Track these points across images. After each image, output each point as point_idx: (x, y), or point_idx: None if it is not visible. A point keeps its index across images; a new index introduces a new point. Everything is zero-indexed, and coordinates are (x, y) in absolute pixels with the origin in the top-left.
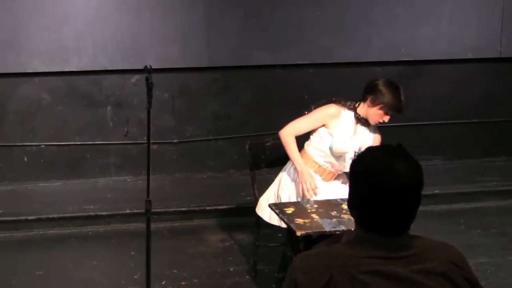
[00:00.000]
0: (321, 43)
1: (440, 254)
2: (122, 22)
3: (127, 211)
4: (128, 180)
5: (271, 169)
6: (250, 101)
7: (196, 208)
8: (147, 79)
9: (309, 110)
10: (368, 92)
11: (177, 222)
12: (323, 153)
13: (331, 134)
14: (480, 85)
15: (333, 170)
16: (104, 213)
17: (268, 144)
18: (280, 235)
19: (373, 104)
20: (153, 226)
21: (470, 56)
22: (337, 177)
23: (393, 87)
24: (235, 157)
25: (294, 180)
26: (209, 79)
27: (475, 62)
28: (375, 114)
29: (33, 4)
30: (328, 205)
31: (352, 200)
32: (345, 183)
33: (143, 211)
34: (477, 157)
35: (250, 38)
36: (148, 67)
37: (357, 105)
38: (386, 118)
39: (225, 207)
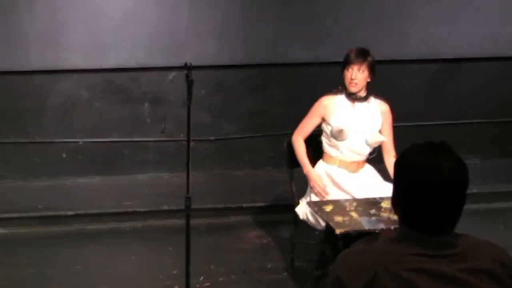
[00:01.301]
0: (358, 40)
1: (485, 253)
2: (160, 18)
3: (165, 208)
4: (166, 176)
5: None
6: (286, 98)
7: (233, 205)
8: (187, 76)
9: None
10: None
11: (214, 218)
12: (334, 144)
13: (330, 124)
14: None
15: (355, 159)
16: (141, 209)
17: (305, 141)
18: (317, 232)
19: (342, 74)
20: (190, 222)
21: (509, 53)
22: (362, 165)
23: (354, 49)
24: (271, 154)
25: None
26: (245, 76)
27: None
28: (345, 80)
29: None
30: (367, 203)
31: (396, 196)
32: (374, 176)
33: (180, 207)
34: None
35: (286, 35)
36: (188, 64)
37: (341, 87)
38: (348, 74)
39: (261, 204)
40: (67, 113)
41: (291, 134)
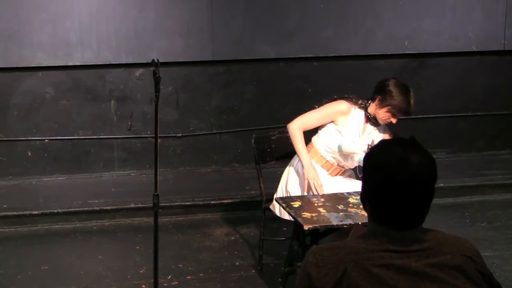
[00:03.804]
0: (325, 36)
1: (454, 248)
2: (126, 16)
3: (132, 205)
4: (132, 174)
5: (277, 163)
6: (254, 94)
7: (201, 202)
8: (154, 73)
9: (320, 104)
10: (377, 92)
11: (181, 216)
12: (331, 149)
13: (340, 132)
14: (484, 78)
15: (340, 166)
16: (108, 208)
17: (273, 137)
18: (285, 229)
19: (382, 104)
20: (158, 220)
21: (474, 49)
22: (343, 172)
23: (403, 89)
24: (239, 151)
25: (301, 175)
26: (213, 72)
27: (479, 55)
28: (383, 115)
29: None
30: (335, 199)
31: (365, 193)
32: (351, 178)
33: (147, 205)
34: (482, 150)
35: (253, 32)
36: (155, 61)
37: (368, 104)
38: (394, 120)
39: (229, 201)
40: (33, 111)
41: (259, 130)
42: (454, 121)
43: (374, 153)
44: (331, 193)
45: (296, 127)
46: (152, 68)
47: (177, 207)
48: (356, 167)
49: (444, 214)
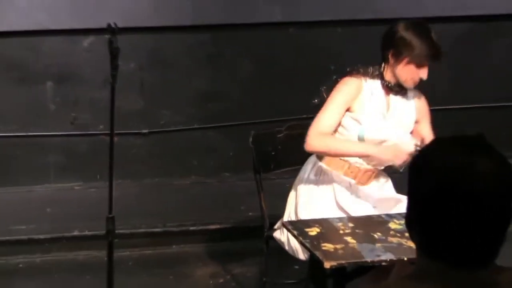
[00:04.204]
0: None
1: None
2: None
3: (76, 233)
4: (76, 188)
5: (285, 172)
6: (251, 74)
7: (176, 229)
8: (110, 43)
9: (328, 90)
10: (387, 47)
11: (148, 249)
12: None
13: (357, 120)
14: None
15: (369, 167)
16: (41, 237)
17: (280, 135)
18: (297, 267)
19: (398, 60)
20: (114, 254)
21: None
22: (377, 175)
23: (419, 28)
24: (230, 154)
25: (317, 192)
26: (193, 42)
27: None
28: (405, 73)
29: None
30: (369, 224)
31: (412, 214)
32: (390, 189)
33: (98, 233)
34: None
35: None
36: (112, 25)
37: (382, 68)
38: (423, 73)
39: (217, 226)
40: None
41: (260, 124)
42: None
43: (424, 157)
44: (364, 216)
45: (315, 140)
46: (106, 36)
47: (141, 235)
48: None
49: None
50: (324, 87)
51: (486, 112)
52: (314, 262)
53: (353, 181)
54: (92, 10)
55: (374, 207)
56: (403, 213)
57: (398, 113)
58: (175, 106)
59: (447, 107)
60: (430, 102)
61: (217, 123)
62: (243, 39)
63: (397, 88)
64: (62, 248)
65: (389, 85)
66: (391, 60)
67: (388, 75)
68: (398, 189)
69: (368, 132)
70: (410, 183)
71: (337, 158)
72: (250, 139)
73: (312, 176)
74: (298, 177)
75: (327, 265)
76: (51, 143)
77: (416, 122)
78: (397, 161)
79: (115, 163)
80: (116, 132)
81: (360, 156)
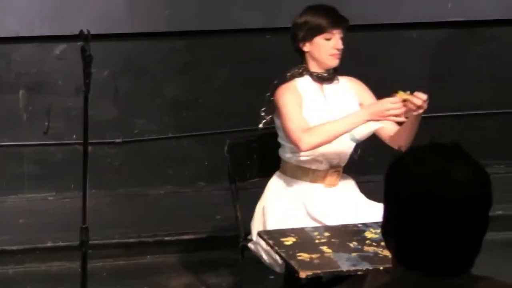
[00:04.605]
0: None
1: None
2: None
3: (49, 244)
4: (50, 198)
5: (262, 181)
6: (228, 81)
7: (150, 239)
8: (83, 50)
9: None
10: (295, 41)
11: (122, 259)
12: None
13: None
14: None
15: (335, 164)
16: (14, 248)
17: (255, 144)
18: (273, 277)
19: (308, 44)
20: (88, 265)
21: None
22: (343, 177)
23: (309, 7)
24: (206, 163)
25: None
26: (168, 50)
27: None
28: (319, 51)
29: None
30: (345, 233)
31: (389, 222)
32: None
33: (72, 243)
34: None
35: None
36: (85, 32)
37: (305, 64)
38: (335, 43)
39: (191, 237)
40: None
41: (236, 133)
42: None
43: (400, 165)
44: (339, 225)
45: (306, 137)
46: (79, 43)
47: (115, 246)
48: (352, 153)
49: (503, 254)
50: (267, 94)
51: (462, 120)
52: (289, 272)
53: (322, 186)
54: (64, 17)
55: (346, 208)
56: (379, 222)
57: (337, 99)
58: (150, 114)
59: (425, 115)
60: None
61: (192, 132)
62: (219, 46)
63: (326, 75)
64: (35, 259)
65: (318, 75)
66: (305, 50)
67: (312, 66)
68: (373, 196)
69: (307, 116)
70: (386, 192)
71: (299, 167)
72: (226, 148)
73: (279, 191)
74: (264, 194)
75: (302, 274)
76: (24, 153)
77: (361, 104)
78: (396, 110)
79: (89, 172)
80: (90, 141)
81: (359, 125)
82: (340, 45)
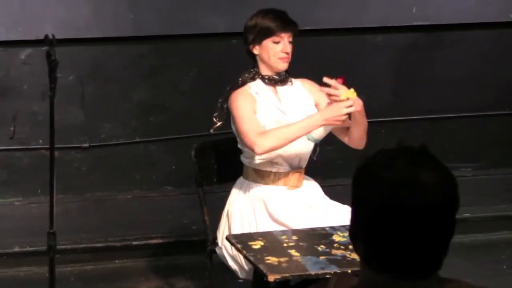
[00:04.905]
0: (296, 3)
1: None
2: None
3: (16, 249)
4: (16, 203)
5: (229, 184)
6: (194, 86)
7: (118, 244)
8: (48, 55)
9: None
10: (246, 44)
11: (89, 264)
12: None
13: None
14: None
15: (295, 165)
16: None
17: (223, 148)
18: (241, 281)
19: (258, 47)
20: (55, 270)
21: None
22: (307, 180)
23: (258, 12)
24: (173, 167)
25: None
26: (134, 54)
27: None
28: (268, 54)
29: None
30: (313, 237)
31: (356, 226)
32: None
33: (39, 249)
34: None
35: None
36: (50, 37)
37: (256, 67)
38: (283, 47)
39: (159, 241)
40: None
41: (203, 137)
42: (485, 123)
43: (368, 168)
44: (307, 228)
45: (261, 140)
46: (45, 48)
47: (83, 250)
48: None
49: (471, 257)
50: (220, 100)
51: (428, 123)
52: (258, 275)
53: (285, 188)
54: (29, 22)
55: (311, 207)
56: (347, 225)
57: (291, 100)
58: (116, 119)
59: (390, 118)
60: (373, 113)
61: (159, 136)
62: (185, 51)
63: (277, 78)
64: (2, 264)
65: (270, 78)
66: (255, 53)
67: (263, 70)
68: (342, 200)
69: (261, 119)
70: (353, 195)
71: (261, 171)
72: (192, 152)
73: (241, 195)
74: (228, 200)
75: (271, 278)
76: None
77: (316, 105)
78: (349, 109)
79: (56, 177)
80: (56, 146)
81: (313, 129)
82: (288, 48)
